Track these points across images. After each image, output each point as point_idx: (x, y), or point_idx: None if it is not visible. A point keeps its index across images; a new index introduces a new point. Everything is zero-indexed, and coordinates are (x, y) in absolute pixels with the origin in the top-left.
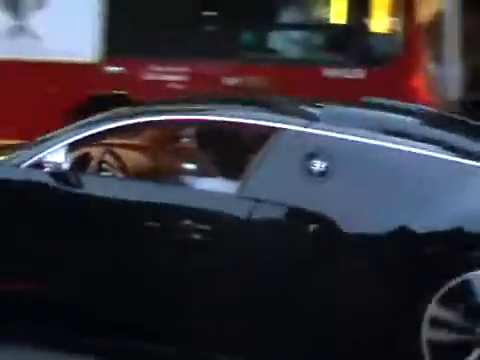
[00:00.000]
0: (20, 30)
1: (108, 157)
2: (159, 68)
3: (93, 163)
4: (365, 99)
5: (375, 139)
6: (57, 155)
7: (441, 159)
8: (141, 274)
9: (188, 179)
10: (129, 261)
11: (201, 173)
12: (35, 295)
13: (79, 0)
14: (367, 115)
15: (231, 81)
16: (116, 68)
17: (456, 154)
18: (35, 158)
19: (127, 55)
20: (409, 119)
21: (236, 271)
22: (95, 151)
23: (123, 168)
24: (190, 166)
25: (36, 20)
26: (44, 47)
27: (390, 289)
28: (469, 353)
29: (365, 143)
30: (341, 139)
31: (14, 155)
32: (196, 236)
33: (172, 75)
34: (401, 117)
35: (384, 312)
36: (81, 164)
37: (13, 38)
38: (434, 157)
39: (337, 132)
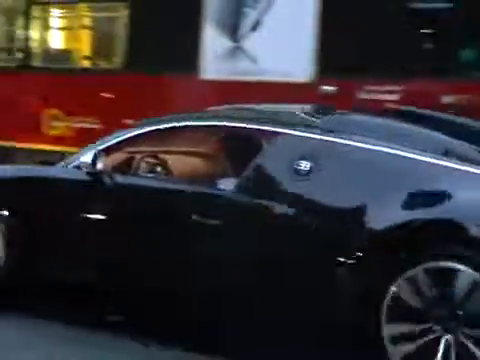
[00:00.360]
0: (237, 52)
1: (139, 159)
2: (374, 87)
3: (129, 164)
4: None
5: (359, 142)
6: (88, 157)
7: (409, 158)
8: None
9: (204, 178)
10: (147, 244)
11: (213, 173)
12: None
13: (293, 21)
14: (369, 122)
15: (448, 99)
16: (330, 87)
17: (427, 154)
18: (77, 160)
19: (341, 74)
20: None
21: (234, 254)
22: (132, 154)
23: (150, 169)
24: (204, 167)
25: (252, 41)
26: (259, 68)
27: (360, 274)
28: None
29: (346, 145)
30: (326, 142)
31: (71, 157)
32: (201, 226)
33: (387, 94)
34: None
35: (356, 294)
36: (119, 165)
37: (230, 60)
38: (402, 156)
39: (325, 137)
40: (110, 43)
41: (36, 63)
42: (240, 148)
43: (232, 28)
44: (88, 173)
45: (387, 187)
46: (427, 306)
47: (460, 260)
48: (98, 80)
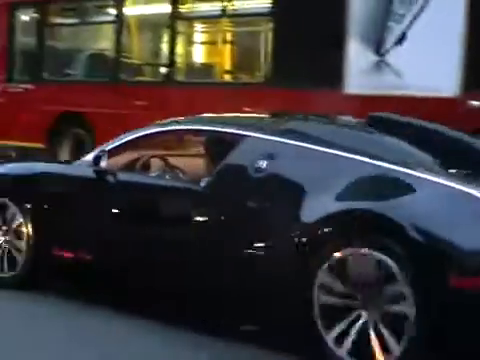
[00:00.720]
0: (381, 66)
1: (137, 159)
2: None
3: (130, 163)
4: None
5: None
6: (92, 156)
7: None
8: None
9: (185, 176)
10: (137, 231)
11: (192, 171)
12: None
13: (439, 35)
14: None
15: None
16: (478, 103)
17: (352, 152)
18: (86, 158)
19: None
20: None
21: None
22: (132, 154)
23: (144, 167)
24: (187, 166)
25: (396, 56)
26: (404, 82)
27: (295, 259)
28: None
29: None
30: (277, 143)
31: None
32: (175, 215)
33: None
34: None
35: (292, 277)
36: (123, 164)
37: (375, 74)
38: (338, 155)
39: (277, 139)
40: (253, 57)
41: (180, 77)
42: (215, 148)
43: (377, 42)
44: (94, 171)
45: (324, 183)
46: (351, 289)
47: (380, 250)
48: (240, 94)
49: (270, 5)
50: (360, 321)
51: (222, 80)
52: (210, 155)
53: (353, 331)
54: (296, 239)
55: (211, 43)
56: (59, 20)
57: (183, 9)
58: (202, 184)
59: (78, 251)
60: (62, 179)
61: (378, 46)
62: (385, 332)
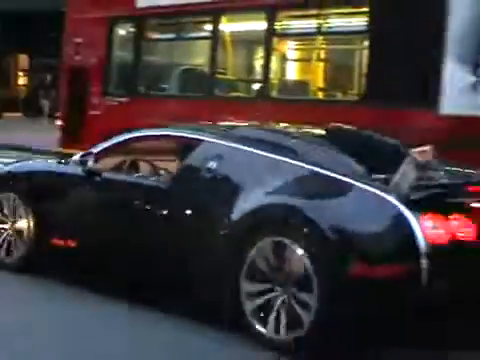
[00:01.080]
0: (478, 86)
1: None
2: None
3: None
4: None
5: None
6: (78, 157)
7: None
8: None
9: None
10: (112, 222)
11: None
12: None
13: None
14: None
15: None
16: None
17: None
18: (75, 158)
19: None
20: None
21: (160, 226)
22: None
23: (122, 167)
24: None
25: None
26: None
27: (232, 244)
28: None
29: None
30: (226, 147)
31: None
32: (143, 209)
33: None
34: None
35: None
36: (108, 164)
37: (471, 94)
38: (268, 157)
39: (226, 144)
40: (347, 75)
41: (273, 94)
42: (180, 150)
43: (474, 63)
44: (81, 170)
45: (260, 182)
46: (270, 271)
47: (293, 240)
48: (333, 112)
49: (366, 23)
50: (277, 300)
51: (315, 97)
52: (177, 157)
53: (270, 308)
54: (235, 227)
55: (305, 60)
56: (156, 35)
57: (278, 26)
58: (165, 182)
59: (67, 239)
60: (56, 176)
61: (475, 67)
62: (295, 311)
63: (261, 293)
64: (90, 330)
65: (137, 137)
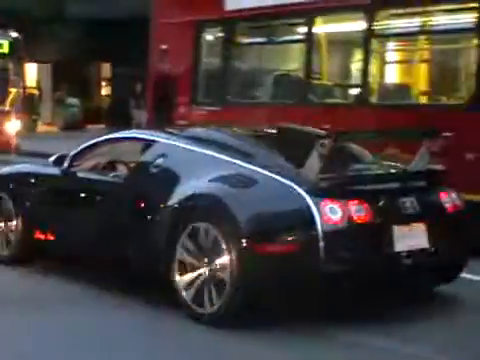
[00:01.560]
0: None
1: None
2: None
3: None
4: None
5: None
6: (53, 158)
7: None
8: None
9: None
10: (84, 214)
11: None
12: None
13: None
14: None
15: None
16: None
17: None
18: (53, 158)
19: None
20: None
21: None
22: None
23: (93, 166)
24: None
25: None
26: None
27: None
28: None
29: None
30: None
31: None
32: (103, 200)
33: None
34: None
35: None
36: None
37: None
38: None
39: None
40: (453, 78)
41: (373, 99)
42: (139, 151)
43: None
44: (60, 170)
45: (195, 174)
46: (198, 252)
47: (210, 222)
48: (437, 117)
49: (475, 20)
50: (201, 277)
51: (418, 102)
52: (137, 156)
53: (195, 283)
54: (173, 212)
55: (407, 62)
56: (246, 39)
57: (378, 26)
58: (122, 177)
59: (47, 233)
60: (39, 176)
61: None
62: (212, 289)
63: (189, 270)
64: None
65: (107, 139)
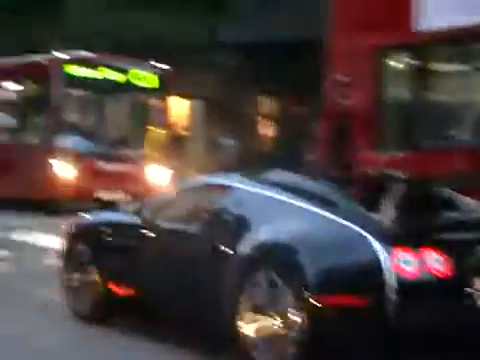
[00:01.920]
0: None
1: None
2: None
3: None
4: None
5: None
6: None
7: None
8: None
9: None
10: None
11: None
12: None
13: None
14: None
15: None
16: None
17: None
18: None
19: None
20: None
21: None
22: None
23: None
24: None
25: None
26: None
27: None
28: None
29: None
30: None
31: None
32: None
33: None
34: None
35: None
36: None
37: None
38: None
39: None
40: None
41: None
42: (216, 198)
43: None
44: (138, 218)
45: (264, 218)
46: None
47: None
48: None
49: None
50: (267, 329)
51: None
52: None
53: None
54: (241, 261)
55: None
56: (444, 67)
57: None
58: (194, 227)
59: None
60: (118, 226)
61: None
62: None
63: (256, 320)
64: None
65: (186, 189)
